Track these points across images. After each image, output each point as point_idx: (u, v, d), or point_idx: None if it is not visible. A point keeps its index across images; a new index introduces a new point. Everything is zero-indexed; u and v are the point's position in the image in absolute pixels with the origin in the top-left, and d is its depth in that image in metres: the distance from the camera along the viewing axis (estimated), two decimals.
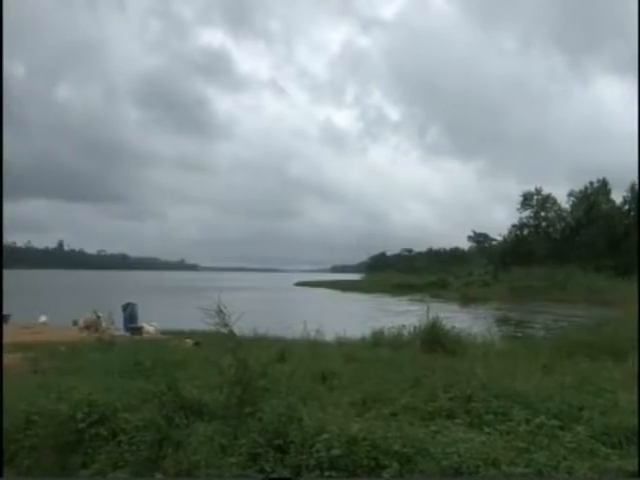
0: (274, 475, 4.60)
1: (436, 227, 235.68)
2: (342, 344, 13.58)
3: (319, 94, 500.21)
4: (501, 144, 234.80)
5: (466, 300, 57.57)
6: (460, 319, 23.56)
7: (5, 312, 24.04)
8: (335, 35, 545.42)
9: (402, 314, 29.33)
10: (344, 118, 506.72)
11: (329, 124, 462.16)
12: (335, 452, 4.44)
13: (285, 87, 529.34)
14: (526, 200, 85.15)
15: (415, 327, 13.55)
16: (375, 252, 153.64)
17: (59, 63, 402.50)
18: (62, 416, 5.63)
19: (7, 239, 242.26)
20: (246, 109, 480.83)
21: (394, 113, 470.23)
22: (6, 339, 16.30)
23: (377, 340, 14.17)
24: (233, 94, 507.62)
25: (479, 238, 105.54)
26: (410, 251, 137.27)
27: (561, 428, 5.15)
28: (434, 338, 11.92)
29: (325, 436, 4.58)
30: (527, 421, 5.28)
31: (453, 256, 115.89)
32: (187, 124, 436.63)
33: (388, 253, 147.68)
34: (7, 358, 12.59)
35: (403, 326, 14.31)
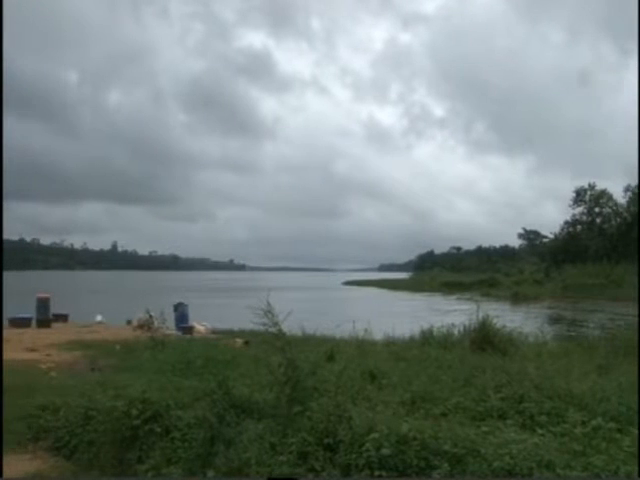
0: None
1: (484, 225, 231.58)
2: (390, 343, 13.53)
3: (362, 92, 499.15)
4: (551, 138, 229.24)
5: (517, 299, 56.43)
6: (511, 318, 23.07)
7: (64, 312, 25.05)
8: (377, 32, 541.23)
9: (451, 313, 29.00)
10: (388, 115, 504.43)
11: (373, 122, 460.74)
12: (385, 451, 4.42)
13: (328, 86, 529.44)
14: (579, 196, 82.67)
15: (464, 326, 13.37)
16: (423, 251, 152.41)
17: (109, 69, 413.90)
18: (118, 412, 5.80)
19: (67, 241, 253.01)
20: (290, 109, 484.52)
21: (439, 109, 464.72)
22: (66, 337, 16.98)
23: (426, 339, 14.04)
24: (276, 94, 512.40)
25: (530, 235, 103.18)
26: (459, 249, 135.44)
27: (619, 431, 4.99)
28: (484, 337, 11.73)
29: (374, 435, 4.57)
30: (583, 423, 5.13)
31: (503, 254, 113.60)
32: (232, 125, 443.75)
33: (436, 251, 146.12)
34: (68, 355, 13.14)
35: (452, 325, 14.15)
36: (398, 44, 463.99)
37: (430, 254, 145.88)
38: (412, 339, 14.60)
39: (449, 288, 73.16)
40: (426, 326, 15.13)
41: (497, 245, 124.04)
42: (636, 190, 75.77)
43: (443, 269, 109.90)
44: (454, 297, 57.77)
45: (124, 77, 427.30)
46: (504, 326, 12.76)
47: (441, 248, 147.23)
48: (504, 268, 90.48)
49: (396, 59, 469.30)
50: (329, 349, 10.24)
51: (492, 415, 5.79)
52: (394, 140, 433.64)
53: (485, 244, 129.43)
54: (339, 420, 4.90)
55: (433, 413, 5.79)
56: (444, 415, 5.71)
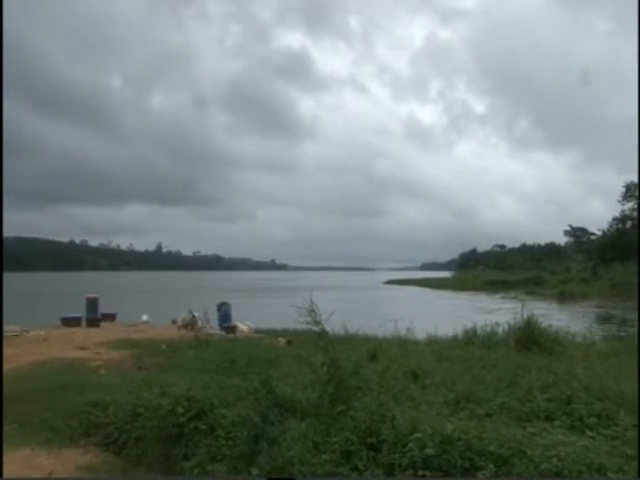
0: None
1: (528, 222, 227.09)
2: (433, 342, 13.39)
3: (401, 90, 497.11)
4: (597, 133, 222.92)
5: (563, 297, 55.13)
6: (557, 317, 22.58)
7: (111, 311, 25.72)
8: (415, 29, 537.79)
9: (495, 312, 28.50)
10: (428, 113, 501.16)
11: (412, 120, 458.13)
12: (429, 451, 4.39)
13: (366, 84, 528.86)
14: (628, 191, 79.90)
15: (509, 325, 13.12)
16: (465, 249, 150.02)
17: (151, 74, 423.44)
18: (164, 410, 5.93)
19: (113, 242, 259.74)
20: (328, 108, 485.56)
21: (480, 106, 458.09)
22: (114, 336, 17.41)
23: (469, 338, 13.85)
24: (315, 94, 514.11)
25: (577, 233, 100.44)
26: (502, 247, 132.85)
27: None
28: (529, 337, 11.46)
29: (418, 435, 4.54)
30: (635, 426, 4.98)
31: (548, 252, 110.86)
32: (272, 126, 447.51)
33: (479, 250, 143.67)
34: (116, 354, 13.48)
35: (496, 324, 13.90)
36: (437, 40, 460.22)
37: (473, 252, 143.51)
38: (455, 338, 14.41)
39: (493, 287, 71.98)
40: (469, 325, 14.92)
41: (542, 243, 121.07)
42: None
43: (486, 267, 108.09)
44: (498, 296, 56.79)
45: (165, 80, 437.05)
46: (550, 325, 12.45)
47: (484, 246, 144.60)
48: (550, 266, 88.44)
49: (435, 56, 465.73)
50: (371, 348, 10.20)
51: (539, 416, 5.68)
52: (434, 138, 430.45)
53: (529, 242, 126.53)
54: (382, 419, 4.89)
55: (477, 413, 5.72)
56: (489, 415, 5.63)
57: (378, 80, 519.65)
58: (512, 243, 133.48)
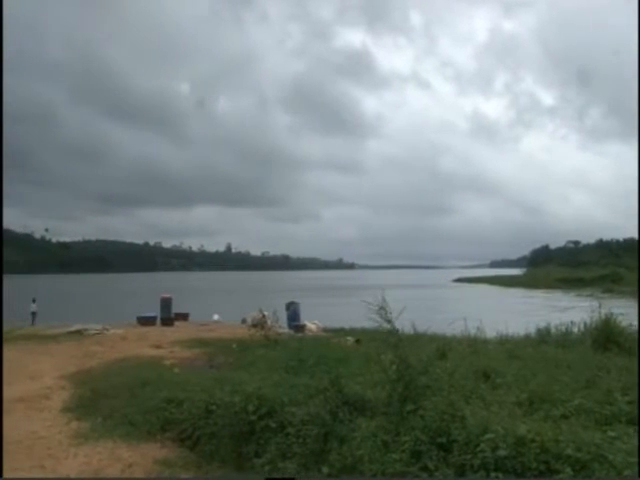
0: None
1: (603, 217, 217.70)
2: (504, 341, 13.04)
3: (465, 84, 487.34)
4: None
5: None
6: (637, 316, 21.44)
7: (184, 311, 26.55)
8: (478, 22, 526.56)
9: (569, 310, 27.44)
10: (493, 107, 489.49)
11: (477, 115, 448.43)
12: (501, 453, 4.27)
13: (429, 80, 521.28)
14: None
15: (585, 324, 12.60)
16: (536, 245, 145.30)
17: (216, 78, 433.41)
18: (236, 408, 6.07)
19: (185, 244, 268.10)
20: (391, 106, 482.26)
21: (548, 98, 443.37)
22: (187, 335, 17.98)
23: (542, 337, 13.39)
24: (377, 92, 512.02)
25: None
26: (577, 243, 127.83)
27: None
28: (608, 336, 10.96)
29: (490, 436, 4.43)
30: None
31: (627, 248, 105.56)
32: (335, 125, 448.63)
33: (551, 246, 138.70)
34: (189, 352, 13.90)
35: (571, 323, 13.39)
36: (502, 32, 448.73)
37: (545, 249, 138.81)
38: (527, 337, 13.98)
39: (567, 284, 69.45)
40: (542, 324, 14.44)
41: (620, 238, 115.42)
42: None
43: (559, 264, 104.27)
44: (572, 293, 54.73)
45: (229, 84, 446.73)
46: (631, 324, 11.88)
47: (556, 243, 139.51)
48: (629, 262, 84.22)
49: (500, 48, 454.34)
50: (440, 347, 10.06)
51: (619, 420, 5.41)
52: (501, 132, 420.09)
53: (606, 237, 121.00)
54: (452, 419, 4.81)
55: (553, 415, 5.52)
56: (565, 417, 5.43)
57: (441, 75, 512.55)
58: (586, 239, 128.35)
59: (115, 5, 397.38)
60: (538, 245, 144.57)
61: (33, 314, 25.62)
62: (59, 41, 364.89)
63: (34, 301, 26.24)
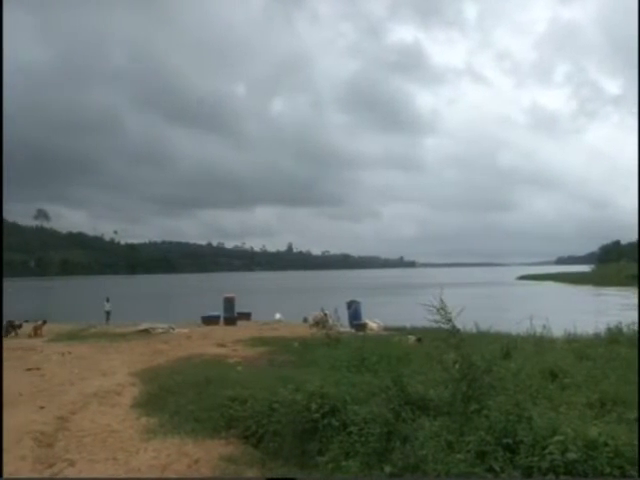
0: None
1: None
2: (572, 340, 12.60)
3: (523, 77, 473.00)
4: None
5: None
6: None
7: (247, 310, 27.03)
8: (535, 11, 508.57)
9: None
10: (553, 99, 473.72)
11: (537, 107, 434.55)
12: (571, 456, 4.12)
13: (484, 74, 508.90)
14: None
15: None
16: (606, 241, 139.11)
17: (271, 79, 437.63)
18: (299, 406, 6.11)
19: (247, 244, 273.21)
20: (447, 101, 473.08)
21: (612, 87, 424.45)
22: (250, 334, 18.30)
23: (614, 337, 12.84)
24: (432, 87, 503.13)
25: None
26: None
27: None
28: None
29: (559, 438, 4.28)
30: None
31: None
32: (391, 123, 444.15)
33: (622, 241, 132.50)
34: (251, 351, 14.14)
35: None
36: (561, 21, 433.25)
37: (615, 244, 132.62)
38: (597, 336, 13.44)
39: None
40: (613, 323, 13.85)
41: None
42: None
43: (631, 260, 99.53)
44: None
45: (284, 85, 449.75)
46: None
47: (628, 237, 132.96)
48: None
49: (560, 38, 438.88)
50: (505, 346, 9.83)
51: None
52: (562, 125, 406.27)
53: None
54: (518, 420, 4.69)
55: (626, 418, 5.29)
56: None
57: (498, 68, 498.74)
58: None
59: (170, 11, 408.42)
60: (608, 240, 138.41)
61: (107, 313, 26.66)
62: (121, 49, 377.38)
63: (108, 300, 27.31)
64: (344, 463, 5.23)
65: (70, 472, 5.82)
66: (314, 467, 5.47)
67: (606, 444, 4.20)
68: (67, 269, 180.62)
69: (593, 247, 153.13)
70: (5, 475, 5.40)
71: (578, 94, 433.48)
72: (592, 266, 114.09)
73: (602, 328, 13.88)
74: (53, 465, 6.03)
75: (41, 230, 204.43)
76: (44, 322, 21.48)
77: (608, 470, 4.04)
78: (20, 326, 20.78)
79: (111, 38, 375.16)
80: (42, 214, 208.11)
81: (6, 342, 18.19)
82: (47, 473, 5.81)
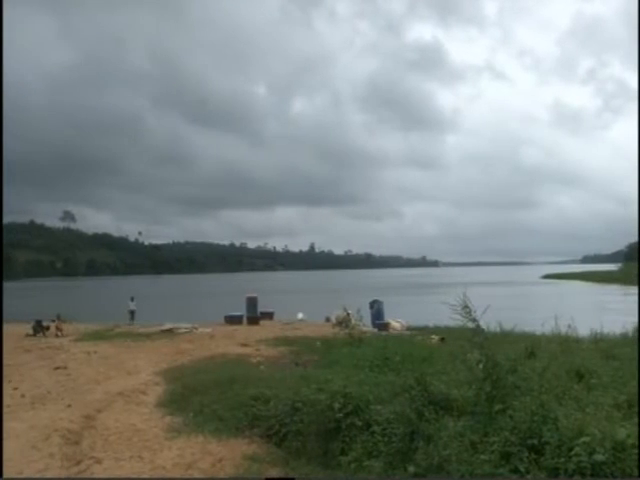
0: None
1: None
2: (599, 340, 12.40)
3: (545, 73, 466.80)
4: None
5: None
6: None
7: (269, 310, 27.12)
8: (557, 7, 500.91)
9: None
10: (576, 95, 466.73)
11: (559, 104, 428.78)
12: (598, 457, 4.06)
13: (505, 71, 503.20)
14: None
15: None
16: (633, 239, 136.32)
17: (291, 79, 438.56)
18: (322, 405, 6.12)
19: (269, 244, 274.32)
20: (467, 99, 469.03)
21: (638, 82, 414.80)
22: (272, 334, 18.36)
23: None
24: (452, 85, 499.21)
25: None
26: None
27: None
28: None
29: (586, 439, 4.22)
30: None
31: None
32: (412, 121, 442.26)
33: None
34: (274, 350, 14.18)
35: None
36: (584, 16, 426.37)
37: None
38: (624, 336, 13.22)
39: None
40: None
41: None
42: None
43: None
44: None
45: (304, 84, 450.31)
46: None
47: None
48: None
49: (582, 33, 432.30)
50: (529, 346, 9.71)
51: None
52: (586, 121, 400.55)
53: None
54: (544, 421, 4.63)
55: None
56: None
57: (518, 65, 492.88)
58: None
59: (189, 13, 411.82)
60: (635, 238, 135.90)
61: (132, 312, 26.97)
62: (142, 51, 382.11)
63: (132, 300, 27.64)
64: (367, 463, 5.23)
65: (96, 470, 5.91)
66: (337, 466, 5.48)
67: (634, 446, 4.13)
68: (93, 269, 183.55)
69: (620, 245, 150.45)
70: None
71: (602, 90, 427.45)
72: (619, 265, 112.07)
73: (629, 328, 13.65)
74: (80, 462, 6.14)
75: (68, 231, 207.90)
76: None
77: (637, 472, 3.97)
78: (48, 328, 21.17)
79: (132, 40, 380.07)
80: (68, 215, 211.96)
81: (35, 342, 18.55)
82: (74, 470, 5.90)
